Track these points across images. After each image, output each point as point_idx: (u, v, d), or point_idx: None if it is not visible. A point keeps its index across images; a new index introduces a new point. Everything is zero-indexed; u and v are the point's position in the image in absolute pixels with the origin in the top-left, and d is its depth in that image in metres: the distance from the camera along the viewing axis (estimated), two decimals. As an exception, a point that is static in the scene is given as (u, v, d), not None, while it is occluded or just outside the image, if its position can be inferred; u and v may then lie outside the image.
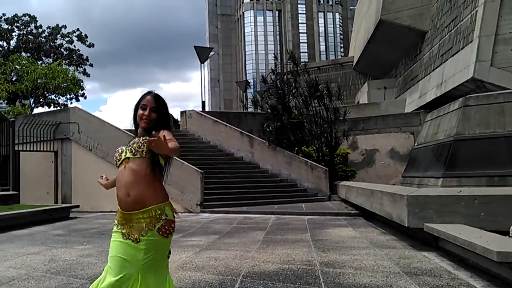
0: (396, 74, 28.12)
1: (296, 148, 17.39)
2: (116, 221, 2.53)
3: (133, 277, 2.37)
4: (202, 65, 28.43)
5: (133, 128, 2.71)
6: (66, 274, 4.98)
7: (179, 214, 12.26)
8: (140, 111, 2.58)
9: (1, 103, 42.22)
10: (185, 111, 19.96)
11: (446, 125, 11.52)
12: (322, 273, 4.79)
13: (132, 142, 2.55)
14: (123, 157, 2.53)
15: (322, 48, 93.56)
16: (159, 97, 2.63)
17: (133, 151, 2.49)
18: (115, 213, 2.61)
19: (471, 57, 15.16)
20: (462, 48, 16.40)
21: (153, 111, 2.57)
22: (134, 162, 2.47)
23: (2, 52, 40.63)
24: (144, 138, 2.49)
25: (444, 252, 5.66)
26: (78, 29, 43.50)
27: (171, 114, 2.72)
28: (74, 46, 43.41)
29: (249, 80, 59.65)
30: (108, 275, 2.40)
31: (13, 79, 32.98)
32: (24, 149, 15.76)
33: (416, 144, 15.47)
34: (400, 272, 4.74)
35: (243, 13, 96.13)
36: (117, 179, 2.55)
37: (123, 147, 2.59)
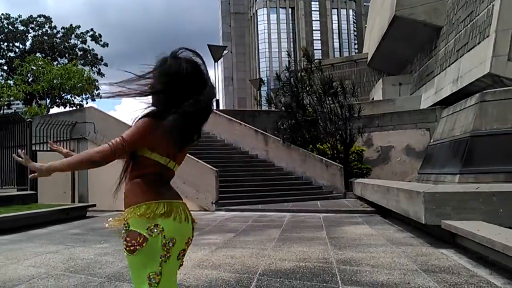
0: (411, 70, 27.88)
1: (311, 146, 17.34)
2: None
3: None
4: (216, 63, 28.46)
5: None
6: (84, 273, 5.04)
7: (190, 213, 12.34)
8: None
9: (17, 104, 42.79)
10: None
11: (463, 121, 11.40)
12: (339, 270, 4.77)
13: None
14: None
15: (336, 45, 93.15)
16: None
17: None
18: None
19: (488, 52, 14.97)
20: (478, 43, 16.21)
21: None
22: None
23: (18, 53, 41.15)
24: None
25: (462, 249, 5.59)
26: (92, 29, 43.88)
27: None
28: (88, 46, 43.79)
29: (262, 78, 59.60)
30: None
31: (29, 80, 33.35)
32: (41, 149, 15.95)
33: (432, 141, 15.32)
34: (417, 270, 4.70)
35: (256, 11, 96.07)
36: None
37: None
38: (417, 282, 4.22)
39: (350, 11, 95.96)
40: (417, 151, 18.82)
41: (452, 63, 18.71)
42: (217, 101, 27.33)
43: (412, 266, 4.88)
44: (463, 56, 17.47)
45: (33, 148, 15.73)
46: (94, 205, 12.96)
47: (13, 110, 36.39)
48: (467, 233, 5.16)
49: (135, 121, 2.02)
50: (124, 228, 2.02)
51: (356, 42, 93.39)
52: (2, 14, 40.96)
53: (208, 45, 26.99)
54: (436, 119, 18.23)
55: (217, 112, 19.74)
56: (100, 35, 43.89)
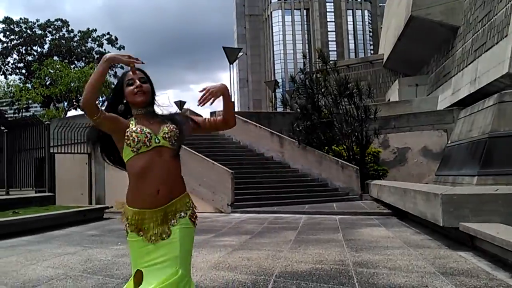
0: (428, 71, 27.63)
1: (326, 147, 17.28)
2: (132, 226, 2.22)
3: (172, 273, 2.12)
4: (231, 65, 28.55)
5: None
6: (102, 274, 5.08)
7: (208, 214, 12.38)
8: (128, 88, 2.26)
9: (36, 107, 43.44)
10: (215, 112, 20.10)
11: (481, 122, 11.27)
12: (356, 273, 4.75)
13: (162, 128, 2.25)
14: (154, 144, 2.20)
15: (351, 46, 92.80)
16: (143, 70, 2.35)
17: (171, 140, 2.25)
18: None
19: (506, 51, 14.76)
20: (496, 43, 15.99)
21: (143, 82, 2.28)
22: (170, 152, 2.24)
23: (36, 57, 41.76)
24: (173, 126, 2.27)
25: (481, 252, 5.52)
26: (108, 33, 44.38)
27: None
28: (105, 49, 44.27)
29: (277, 80, 59.59)
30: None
31: (47, 83, 33.83)
32: (59, 151, 16.15)
33: (449, 142, 15.16)
34: (435, 272, 4.65)
35: (271, 12, 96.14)
36: (143, 169, 2.18)
37: (144, 128, 2.21)
38: (435, 285, 4.18)
39: (365, 12, 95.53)
40: (434, 152, 18.64)
41: (470, 63, 18.49)
42: (232, 103, 27.37)
43: (430, 269, 4.83)
44: (481, 56, 17.26)
45: (51, 151, 15.93)
46: (111, 207, 13.08)
47: (31, 113, 36.99)
48: (486, 236, 5.10)
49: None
50: (191, 206, 2.35)
51: (371, 43, 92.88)
52: (21, 18, 41.65)
53: (224, 47, 27.08)
54: (453, 120, 18.03)
55: (232, 114, 19.78)
56: (116, 38, 44.39)
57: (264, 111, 38.95)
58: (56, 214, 10.68)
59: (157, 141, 2.20)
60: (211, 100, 2.28)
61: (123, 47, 44.51)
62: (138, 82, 2.26)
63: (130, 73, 2.28)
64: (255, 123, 18.34)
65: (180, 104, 26.66)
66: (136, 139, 2.16)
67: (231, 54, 27.42)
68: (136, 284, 2.20)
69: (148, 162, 2.17)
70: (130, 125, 2.23)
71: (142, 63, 2.24)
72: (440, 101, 21.87)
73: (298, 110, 17.89)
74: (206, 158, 13.21)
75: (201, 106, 2.25)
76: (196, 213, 2.38)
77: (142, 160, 2.18)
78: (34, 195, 14.57)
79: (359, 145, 16.63)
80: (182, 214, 2.25)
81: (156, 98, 2.40)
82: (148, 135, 2.18)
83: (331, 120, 17.01)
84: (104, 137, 2.34)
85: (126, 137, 2.18)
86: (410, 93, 27.11)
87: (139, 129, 2.19)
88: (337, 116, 16.96)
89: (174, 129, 2.27)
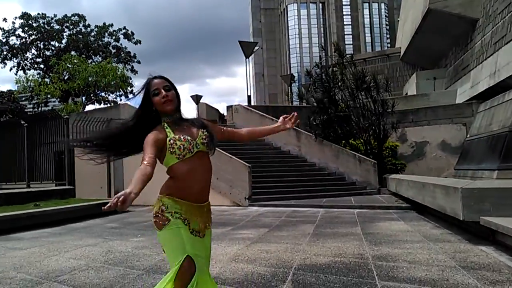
0: (446, 64, 27.28)
1: (343, 141, 17.20)
2: (176, 213, 2.32)
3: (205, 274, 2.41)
4: (247, 60, 28.52)
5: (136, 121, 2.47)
6: (123, 265, 5.16)
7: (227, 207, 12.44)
8: (156, 98, 2.39)
9: (54, 101, 43.97)
10: (231, 106, 20.15)
11: (501, 115, 11.13)
12: (375, 266, 4.74)
13: (199, 134, 2.40)
14: (195, 149, 2.36)
15: (368, 39, 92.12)
16: (165, 77, 2.47)
17: (208, 145, 2.42)
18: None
19: (527, 44, 14.52)
20: (517, 35, 15.74)
21: (168, 90, 2.40)
22: (206, 155, 2.44)
23: (54, 52, 42.20)
24: (205, 132, 2.44)
25: (503, 246, 5.46)
26: (124, 27, 44.61)
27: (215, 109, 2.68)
28: (121, 44, 44.55)
29: (293, 74, 59.39)
30: (198, 272, 2.33)
31: (66, 78, 34.19)
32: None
33: (468, 136, 15.02)
34: (456, 266, 4.62)
35: (287, 6, 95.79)
36: (188, 172, 2.34)
37: (187, 137, 2.36)
38: (456, 278, 4.15)
39: (382, 4, 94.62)
40: (453, 146, 18.45)
41: (489, 56, 18.21)
42: (249, 97, 27.39)
43: (450, 263, 4.80)
44: (501, 49, 16.98)
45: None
46: (130, 200, 13.19)
47: (50, 107, 37.45)
48: (508, 230, 5.04)
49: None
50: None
51: (388, 36, 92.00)
52: (39, 14, 42.15)
53: (240, 41, 27.05)
54: (472, 114, 17.82)
55: (249, 108, 19.82)
56: (132, 33, 44.62)
57: (281, 105, 38.88)
58: (76, 207, 10.84)
59: (197, 146, 2.38)
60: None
61: (140, 42, 44.75)
62: (163, 92, 2.38)
63: (155, 81, 2.41)
64: (271, 117, 18.32)
65: (197, 98, 26.74)
66: (182, 147, 2.32)
67: (247, 48, 27.38)
68: (186, 270, 2.28)
69: (193, 166, 2.34)
70: (168, 133, 2.36)
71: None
72: (458, 95, 21.60)
73: (315, 104, 17.82)
74: (223, 152, 13.26)
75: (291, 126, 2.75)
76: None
77: (188, 165, 2.34)
78: (55, 188, 14.81)
79: (376, 139, 16.52)
80: (210, 219, 2.52)
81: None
82: (192, 143, 2.36)
83: (348, 114, 16.92)
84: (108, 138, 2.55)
85: (169, 146, 2.31)
86: (428, 86, 26.81)
87: (182, 138, 2.34)
88: (354, 110, 16.85)
89: (207, 135, 2.44)
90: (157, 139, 2.32)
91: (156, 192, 2.47)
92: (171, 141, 2.32)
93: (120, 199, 1.91)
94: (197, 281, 2.30)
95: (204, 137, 2.41)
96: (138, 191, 2.18)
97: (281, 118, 2.72)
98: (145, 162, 2.23)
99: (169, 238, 2.33)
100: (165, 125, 2.41)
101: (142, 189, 2.24)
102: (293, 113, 2.62)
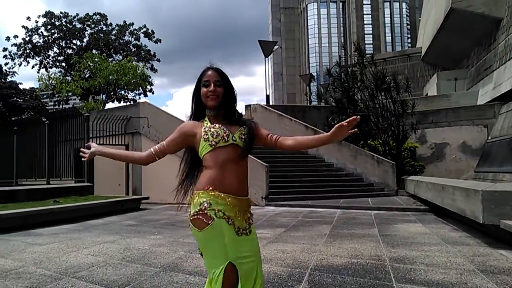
0: (468, 65, 26.90)
1: (362, 142, 17.11)
2: (220, 211, 2.19)
3: (258, 271, 2.30)
4: (266, 59, 28.52)
5: (193, 113, 2.47)
6: (140, 262, 5.20)
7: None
8: (203, 89, 2.34)
9: (75, 99, 44.51)
10: (249, 105, 20.16)
11: (524, 117, 10.92)
12: (392, 268, 4.70)
13: (239, 129, 2.35)
14: (230, 141, 2.28)
15: (388, 39, 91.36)
16: (221, 71, 2.39)
17: (245, 142, 2.34)
18: (183, 205, 2.42)
19: (552, 44, 14.23)
20: (541, 36, 15.43)
21: (218, 86, 2.34)
22: (242, 151, 2.32)
23: (76, 50, 42.72)
24: (247, 130, 2.37)
25: (523, 250, 5.38)
26: (145, 26, 44.91)
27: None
28: (141, 43, 44.87)
29: (312, 74, 59.20)
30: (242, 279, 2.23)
31: (87, 76, 34.56)
32: (98, 142, 16.51)
33: (490, 138, 14.79)
34: (475, 270, 4.55)
35: (306, 5, 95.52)
36: (223, 161, 2.25)
37: (222, 126, 2.31)
38: (474, 282, 4.09)
39: (403, 4, 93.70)
40: (474, 148, 18.19)
41: (513, 57, 17.91)
42: (267, 96, 27.39)
43: (469, 266, 4.73)
44: (525, 50, 16.70)
45: (91, 142, 16.31)
46: (147, 198, 13.33)
47: (71, 105, 37.93)
48: (528, 234, 4.95)
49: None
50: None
51: (409, 36, 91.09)
52: (61, 12, 42.64)
53: (259, 41, 27.07)
54: (494, 115, 17.54)
55: (267, 107, 19.81)
56: (153, 32, 44.88)
57: (299, 105, 38.78)
58: (95, 204, 10.96)
59: (234, 139, 2.30)
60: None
61: (160, 41, 45.00)
62: (212, 86, 2.33)
63: (209, 72, 2.37)
64: (290, 117, 18.30)
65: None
66: (215, 134, 2.26)
67: (266, 48, 27.39)
68: (229, 279, 2.17)
69: (227, 156, 2.27)
70: (204, 123, 2.35)
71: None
72: (480, 96, 21.28)
73: (333, 104, 17.76)
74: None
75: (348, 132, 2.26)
76: None
77: (221, 154, 2.27)
78: (74, 185, 15.00)
79: (395, 140, 16.38)
80: (252, 216, 2.42)
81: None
82: (227, 132, 2.29)
83: (367, 114, 16.81)
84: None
85: (204, 133, 2.29)
86: (449, 87, 26.49)
87: (217, 125, 2.30)
88: (373, 110, 16.74)
89: (247, 133, 2.37)
90: (189, 130, 2.37)
91: (171, 190, 2.48)
92: (206, 128, 2.30)
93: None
94: None
95: (244, 132, 2.35)
96: (107, 153, 2.53)
97: (336, 125, 2.28)
98: (151, 149, 2.43)
99: (211, 241, 2.20)
100: (206, 118, 2.39)
101: (112, 156, 2.58)
102: (355, 117, 2.28)
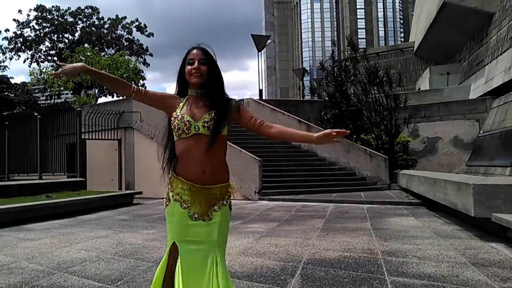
0: (460, 59, 27.00)
1: (355, 136, 17.14)
2: (177, 195, 2.33)
3: (211, 259, 2.26)
4: (259, 53, 28.47)
5: (176, 90, 2.50)
6: (133, 257, 5.19)
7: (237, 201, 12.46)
8: (188, 67, 2.36)
9: (67, 94, 44.30)
10: (242, 100, 20.13)
11: (515, 111, 10.99)
12: (385, 261, 4.73)
13: (204, 116, 2.31)
14: (193, 131, 2.29)
15: (381, 33, 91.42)
16: (206, 50, 2.40)
17: (210, 128, 2.29)
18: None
19: (543, 39, 14.30)
20: (533, 30, 15.50)
21: (202, 64, 2.34)
22: (207, 139, 2.28)
23: (68, 44, 42.45)
24: (214, 114, 2.32)
25: (514, 243, 5.43)
26: (137, 19, 44.72)
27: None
28: (133, 37, 44.68)
29: (305, 68, 59.16)
30: (183, 261, 2.28)
31: (79, 70, 34.32)
32: (90, 137, 16.46)
33: (481, 132, 14.87)
34: (466, 263, 4.59)
35: (300, 0, 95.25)
36: (185, 152, 2.31)
37: (185, 116, 2.31)
38: (466, 275, 4.13)
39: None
40: (466, 142, 18.30)
41: (505, 51, 17.97)
42: (260, 91, 27.36)
43: (461, 259, 4.77)
44: (517, 44, 16.76)
45: (83, 137, 16.25)
46: (141, 192, 13.29)
47: (63, 100, 37.73)
48: (519, 227, 4.99)
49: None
50: (230, 196, 2.49)
51: (402, 30, 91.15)
52: (53, 6, 42.40)
53: (252, 35, 27.01)
54: (486, 110, 17.64)
55: (260, 101, 19.80)
56: (145, 26, 44.74)
57: (292, 99, 38.79)
58: (87, 199, 10.92)
59: (196, 128, 2.30)
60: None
61: (152, 35, 44.86)
62: (196, 64, 2.34)
63: (194, 51, 2.38)
64: (283, 111, 18.30)
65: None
66: (177, 127, 2.32)
67: (259, 42, 27.33)
68: (170, 257, 2.35)
69: (188, 147, 2.31)
70: (178, 108, 2.39)
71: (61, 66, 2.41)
72: (472, 90, 21.37)
73: (326, 98, 17.78)
74: (233, 145, 13.26)
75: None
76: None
77: (183, 145, 2.33)
78: (66, 180, 14.94)
79: (388, 134, 16.44)
80: (224, 202, 2.40)
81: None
82: (188, 123, 2.30)
83: (360, 108, 16.84)
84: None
85: (171, 121, 2.37)
86: (441, 81, 26.57)
87: (180, 117, 2.32)
88: (366, 105, 16.78)
89: (214, 118, 2.32)
90: (169, 97, 2.46)
91: (163, 185, 2.50)
92: (173, 117, 2.35)
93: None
94: (184, 276, 2.23)
95: (208, 119, 2.30)
96: (90, 70, 2.42)
97: (325, 131, 2.31)
98: (134, 86, 2.44)
99: (167, 219, 2.40)
100: (186, 98, 2.43)
101: (95, 74, 2.45)
102: (345, 130, 2.28)
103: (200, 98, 2.39)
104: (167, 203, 2.39)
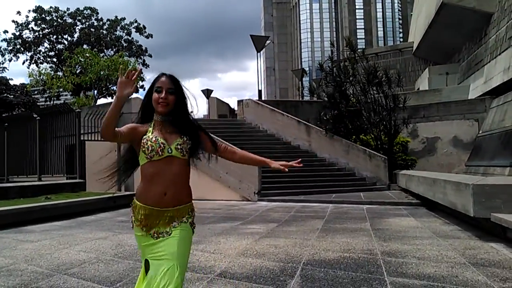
0: (459, 59, 27.01)
1: (354, 137, 17.13)
2: (137, 222, 2.36)
3: (171, 269, 2.25)
4: (259, 54, 28.45)
5: (140, 115, 2.50)
6: (132, 259, 5.19)
7: (235, 202, 12.45)
8: (155, 95, 2.36)
9: (66, 95, 44.29)
10: (242, 100, 20.14)
11: (514, 111, 10.99)
12: (384, 262, 4.73)
13: (177, 140, 2.37)
14: (166, 154, 2.33)
15: (380, 33, 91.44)
16: (175, 78, 2.42)
17: (183, 152, 2.37)
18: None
19: (542, 39, 14.30)
20: (532, 30, 15.50)
21: (170, 93, 2.36)
22: (179, 161, 2.36)
23: (67, 45, 42.44)
24: (186, 139, 2.39)
25: (513, 243, 5.42)
26: (136, 21, 44.72)
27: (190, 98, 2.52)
28: (132, 38, 44.69)
29: (304, 68, 59.14)
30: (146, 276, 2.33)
31: (78, 72, 34.37)
32: (89, 138, 16.43)
33: (480, 132, 14.87)
34: (466, 263, 4.59)
35: (299, 0, 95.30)
36: (153, 174, 2.33)
37: (159, 138, 2.34)
38: (465, 275, 4.13)
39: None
40: (465, 142, 18.30)
41: (504, 51, 17.98)
42: (259, 91, 27.33)
43: (460, 259, 4.77)
44: (515, 44, 16.76)
45: (82, 138, 16.22)
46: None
47: (62, 101, 37.73)
48: (519, 227, 4.99)
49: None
50: (192, 214, 2.50)
51: (401, 30, 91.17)
52: (51, 7, 42.34)
53: (251, 36, 26.96)
54: (485, 110, 17.64)
55: (259, 102, 19.79)
56: (144, 27, 44.75)
57: (291, 100, 38.78)
58: (87, 200, 10.91)
59: (169, 151, 2.34)
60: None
61: (151, 36, 44.86)
62: (164, 93, 2.35)
63: (163, 79, 2.39)
64: (282, 112, 18.30)
65: (208, 92, 26.76)
66: (150, 148, 2.31)
67: (258, 43, 27.30)
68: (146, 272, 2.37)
69: (158, 169, 2.33)
70: (148, 132, 2.38)
71: (137, 70, 2.31)
72: (471, 90, 21.38)
73: (326, 98, 17.76)
74: (233, 146, 13.24)
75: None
76: (195, 224, 2.55)
77: (154, 167, 2.33)
78: (65, 181, 14.92)
79: (387, 135, 16.43)
80: (184, 219, 2.42)
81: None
82: (162, 146, 2.33)
83: (359, 109, 16.83)
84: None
85: (142, 144, 2.34)
86: (440, 81, 26.59)
87: (153, 139, 2.34)
88: (365, 105, 16.76)
89: (187, 142, 2.40)
90: (136, 128, 2.39)
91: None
92: (144, 140, 2.34)
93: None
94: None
95: (181, 142, 2.37)
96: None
97: (283, 163, 2.86)
98: (117, 128, 2.29)
99: (136, 239, 2.46)
100: (152, 123, 2.43)
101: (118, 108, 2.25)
102: (298, 164, 2.83)
103: (166, 124, 2.42)
104: (132, 227, 2.43)
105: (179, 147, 2.35)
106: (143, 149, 2.32)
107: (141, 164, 2.39)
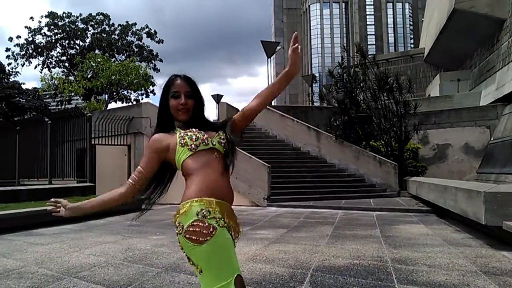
0: (471, 65, 26.84)
1: (364, 143, 17.07)
2: (223, 221, 1.94)
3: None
4: (269, 59, 28.48)
5: (158, 123, 2.20)
6: (142, 263, 5.20)
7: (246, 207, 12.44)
8: (173, 101, 2.10)
9: (77, 99, 44.63)
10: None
11: (527, 118, 10.89)
12: (394, 269, 4.69)
13: (217, 134, 2.12)
14: (210, 145, 2.05)
15: (391, 40, 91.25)
16: (190, 79, 2.16)
17: (224, 145, 2.10)
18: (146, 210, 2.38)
19: (555, 45, 14.17)
20: (545, 37, 15.37)
21: (188, 97, 2.10)
22: (221, 155, 2.07)
23: (79, 50, 42.80)
24: (220, 133, 2.13)
25: (526, 252, 5.36)
26: (147, 26, 45.02)
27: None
28: (143, 43, 44.98)
29: (315, 74, 59.12)
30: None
31: (89, 76, 34.63)
32: (100, 142, 16.55)
33: (492, 139, 14.73)
34: (477, 271, 4.54)
35: (309, 6, 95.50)
36: (203, 165, 2.00)
37: (196, 133, 2.06)
38: (477, 284, 4.08)
39: (406, 4, 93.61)
40: (476, 149, 18.16)
41: (516, 57, 17.86)
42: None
43: (471, 268, 4.72)
44: (528, 51, 16.63)
45: (92, 142, 16.34)
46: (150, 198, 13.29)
47: (73, 105, 38.02)
48: (531, 236, 4.93)
49: None
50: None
51: (412, 36, 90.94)
52: (64, 13, 42.74)
53: (262, 41, 26.99)
54: (497, 116, 17.50)
55: (269, 108, 19.79)
56: (155, 32, 45.02)
57: (301, 106, 38.78)
58: (97, 204, 10.94)
59: (213, 143, 2.07)
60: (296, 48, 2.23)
61: (162, 41, 45.12)
62: (183, 98, 2.10)
63: (178, 82, 2.13)
64: (292, 118, 18.30)
65: (218, 97, 26.82)
66: (194, 137, 2.03)
67: (268, 48, 27.31)
68: None
69: (209, 159, 2.04)
70: (177, 133, 2.10)
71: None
72: (483, 97, 21.22)
73: (336, 104, 17.71)
74: (242, 151, 13.27)
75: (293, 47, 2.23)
76: None
77: (204, 157, 2.03)
78: (76, 185, 15.03)
79: (397, 141, 16.34)
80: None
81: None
82: (205, 136, 2.08)
83: (369, 115, 16.76)
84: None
85: (181, 138, 2.05)
86: (451, 88, 26.43)
87: (194, 129, 2.09)
88: (376, 111, 16.69)
89: (228, 138, 2.13)
90: (161, 141, 2.10)
91: (177, 187, 2.31)
92: (182, 134, 2.06)
93: (57, 206, 2.13)
94: None
95: (223, 137, 2.11)
96: (82, 209, 2.22)
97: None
98: (129, 180, 2.11)
99: (217, 254, 1.89)
100: (177, 128, 2.14)
101: (93, 209, 2.19)
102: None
103: (192, 126, 2.14)
104: (213, 232, 1.88)
105: (222, 141, 2.10)
106: (184, 142, 2.02)
107: (182, 161, 2.03)
